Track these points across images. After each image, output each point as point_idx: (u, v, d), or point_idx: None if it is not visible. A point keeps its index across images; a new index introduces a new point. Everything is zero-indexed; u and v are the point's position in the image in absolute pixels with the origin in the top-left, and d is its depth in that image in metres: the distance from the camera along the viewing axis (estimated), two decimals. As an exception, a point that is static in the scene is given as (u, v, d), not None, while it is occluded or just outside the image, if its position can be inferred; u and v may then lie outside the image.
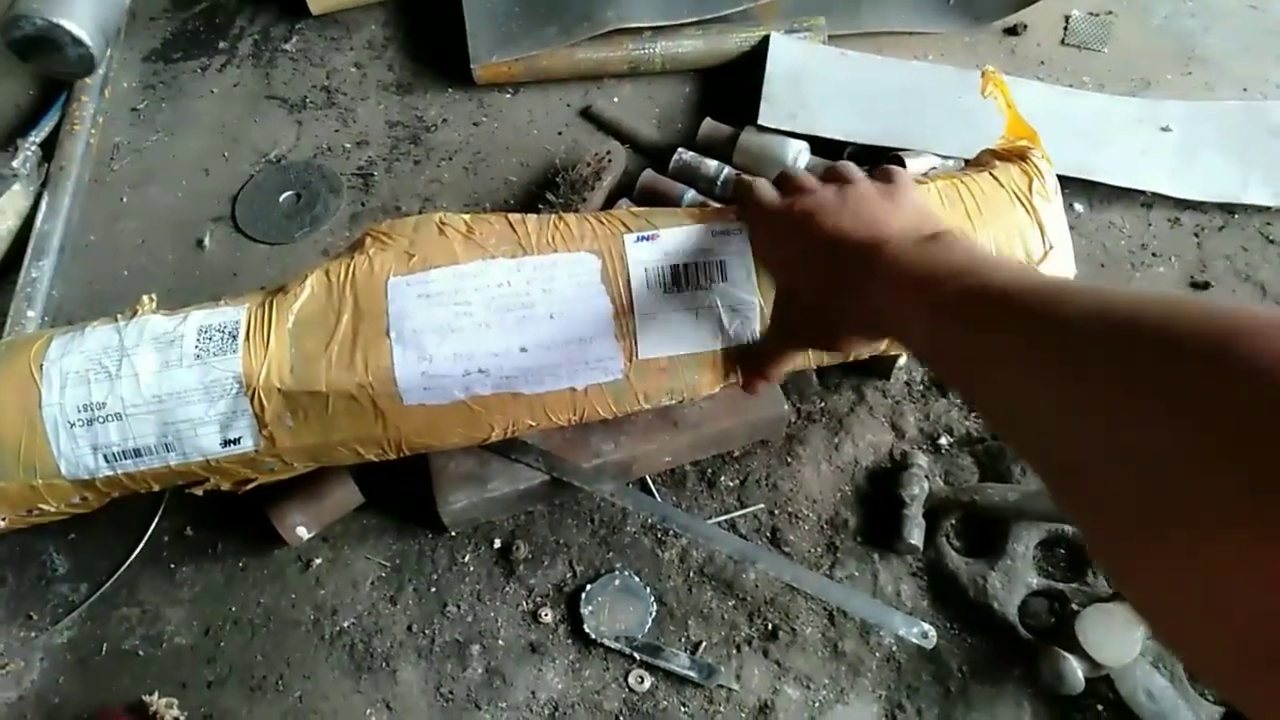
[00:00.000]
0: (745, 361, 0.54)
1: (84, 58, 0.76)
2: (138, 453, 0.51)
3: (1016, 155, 0.58)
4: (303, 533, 0.57)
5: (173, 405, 0.50)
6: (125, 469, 0.51)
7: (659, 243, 0.54)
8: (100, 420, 0.50)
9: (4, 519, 0.53)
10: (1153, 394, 0.26)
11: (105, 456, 0.50)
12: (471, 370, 0.51)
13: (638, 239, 0.54)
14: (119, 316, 0.54)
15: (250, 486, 0.54)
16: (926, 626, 0.55)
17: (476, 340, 0.51)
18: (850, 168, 0.52)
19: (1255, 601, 0.21)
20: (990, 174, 0.56)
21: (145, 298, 0.55)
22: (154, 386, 0.50)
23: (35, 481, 0.51)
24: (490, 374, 0.51)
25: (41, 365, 0.51)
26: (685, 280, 0.53)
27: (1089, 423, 0.29)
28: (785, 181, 0.53)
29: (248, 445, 0.51)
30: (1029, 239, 0.54)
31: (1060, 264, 0.55)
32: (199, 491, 0.54)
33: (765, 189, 0.53)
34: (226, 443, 0.51)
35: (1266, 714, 0.22)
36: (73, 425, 0.50)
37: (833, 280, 0.46)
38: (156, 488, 0.53)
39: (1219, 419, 0.24)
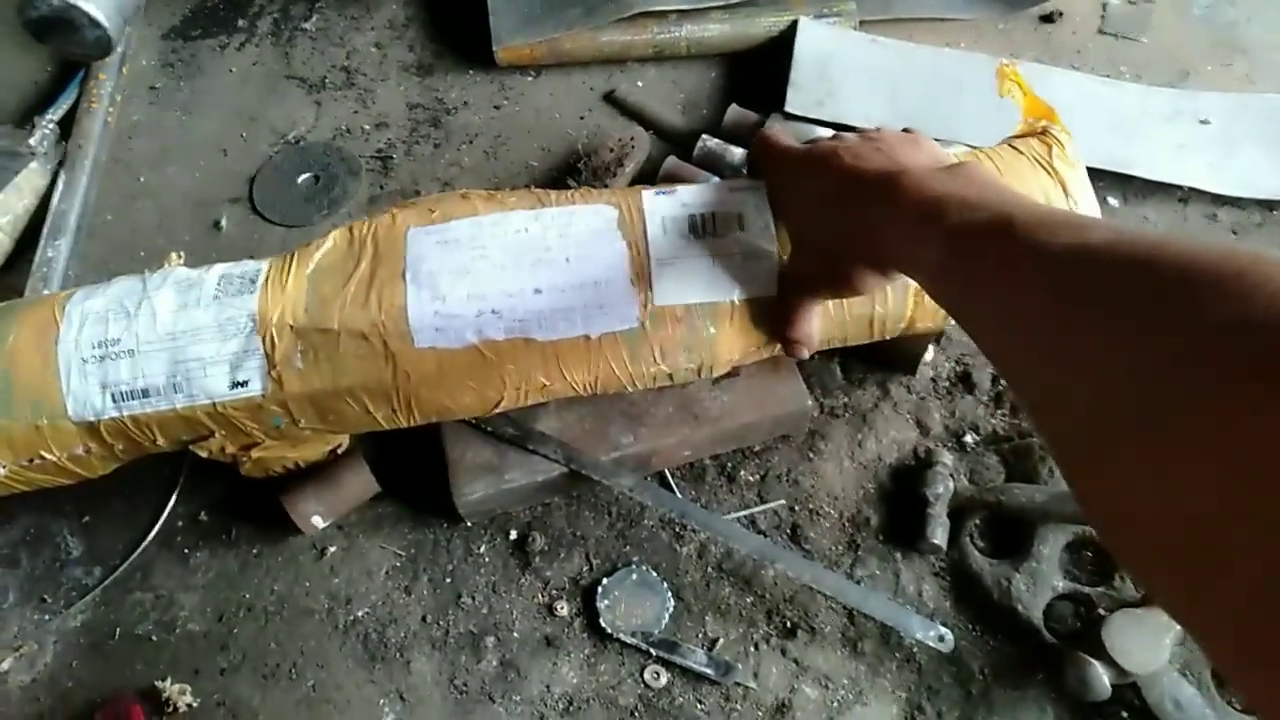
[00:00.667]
0: (772, 321, 0.53)
1: (100, 39, 0.75)
2: (145, 393, 0.50)
3: (1037, 133, 0.57)
4: (318, 521, 0.57)
5: (185, 343, 0.50)
6: (131, 410, 0.50)
7: (676, 196, 0.54)
8: (113, 357, 0.50)
9: (4, 466, 0.52)
10: (1162, 321, 0.27)
11: (113, 396, 0.50)
12: (485, 311, 0.50)
13: (656, 193, 0.55)
14: (146, 270, 0.54)
15: (256, 454, 0.54)
16: (944, 630, 0.54)
17: (491, 281, 0.51)
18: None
19: (1200, 504, 0.23)
20: (1009, 145, 0.56)
21: (173, 254, 0.55)
22: (169, 324, 0.50)
23: (40, 422, 0.50)
24: (503, 315, 0.51)
25: (65, 307, 0.52)
26: (703, 228, 0.53)
27: (1089, 348, 0.30)
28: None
29: (255, 389, 0.50)
30: (1052, 196, 0.53)
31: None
32: (203, 453, 0.53)
33: (782, 136, 0.53)
34: (235, 385, 0.50)
35: (1205, 616, 0.24)
36: (85, 362, 0.50)
37: (849, 212, 0.46)
38: (161, 442, 0.52)
39: (1208, 336, 0.25)
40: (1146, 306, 0.28)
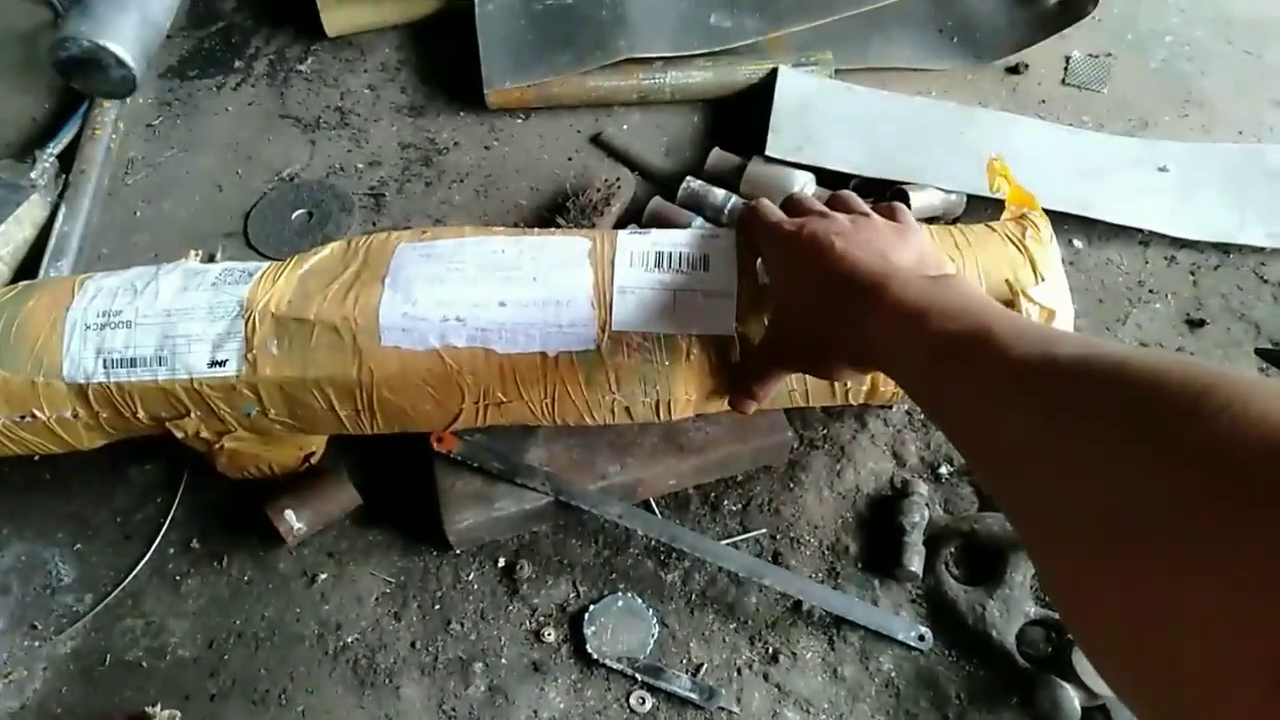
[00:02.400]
0: (734, 377, 0.55)
1: (126, 79, 0.78)
2: (133, 362, 0.54)
3: (1016, 219, 0.59)
4: (299, 527, 0.58)
5: (177, 320, 0.55)
6: (118, 378, 0.54)
7: (650, 235, 0.57)
8: (112, 326, 0.55)
9: None
10: (1133, 437, 0.28)
11: (105, 361, 0.54)
12: (450, 317, 0.53)
13: (631, 232, 0.58)
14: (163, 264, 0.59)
15: (229, 446, 0.56)
16: (924, 629, 0.57)
17: (461, 291, 0.54)
18: (855, 199, 0.54)
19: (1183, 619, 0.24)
20: (986, 225, 0.59)
21: (191, 251, 0.60)
22: (168, 302, 0.55)
23: (37, 378, 0.54)
24: (466, 323, 0.53)
25: (84, 282, 0.57)
26: (667, 264, 0.55)
27: (1065, 460, 0.31)
28: (793, 205, 0.54)
29: (231, 369, 0.54)
30: (1020, 270, 0.55)
31: (1053, 298, 0.55)
32: (179, 433, 0.56)
33: (774, 210, 0.54)
34: (213, 363, 0.54)
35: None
36: (88, 328, 0.55)
37: (834, 306, 0.47)
38: (141, 414, 0.55)
39: (1184, 457, 0.26)
40: (1119, 426, 0.29)
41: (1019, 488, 0.34)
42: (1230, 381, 0.27)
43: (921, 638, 0.57)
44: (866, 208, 0.53)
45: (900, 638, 0.57)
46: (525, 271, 0.55)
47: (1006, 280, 0.54)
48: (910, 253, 0.48)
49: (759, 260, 0.55)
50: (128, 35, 0.77)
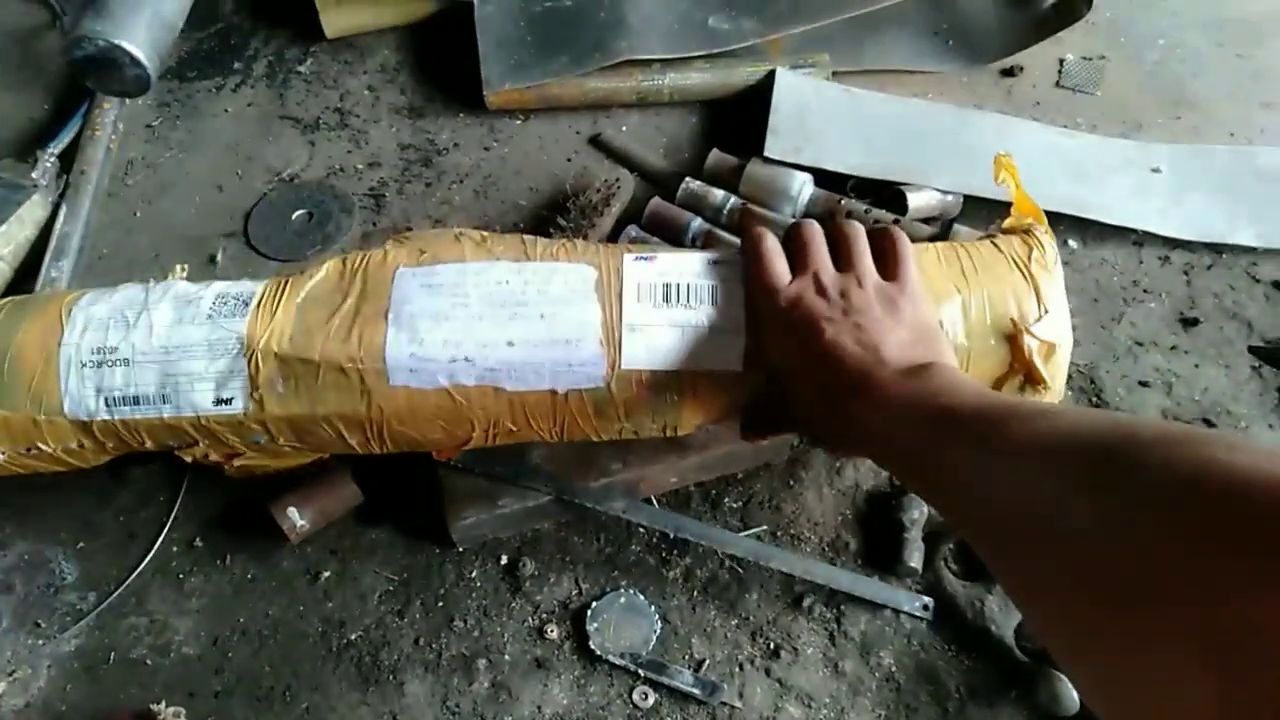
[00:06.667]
0: (745, 422, 0.56)
1: (140, 78, 0.79)
2: (136, 400, 0.53)
3: (1021, 231, 0.59)
4: (302, 524, 0.59)
5: (177, 358, 0.53)
6: (122, 415, 0.53)
7: (656, 264, 0.56)
8: (109, 364, 0.53)
9: (3, 453, 0.55)
10: (1106, 497, 0.30)
11: (106, 400, 0.53)
12: (458, 357, 0.52)
13: (636, 259, 0.56)
14: (151, 279, 0.57)
15: (238, 463, 0.56)
16: (927, 599, 0.58)
17: (467, 329, 0.53)
18: (859, 247, 0.53)
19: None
20: (992, 242, 0.58)
21: (178, 266, 0.58)
22: (164, 338, 0.53)
23: (39, 416, 0.53)
24: (475, 363, 0.53)
25: (71, 310, 0.55)
26: (675, 298, 0.54)
27: (1046, 524, 0.33)
28: (796, 250, 0.54)
29: (237, 407, 0.53)
30: (1024, 302, 0.55)
31: (1056, 331, 0.55)
32: (188, 458, 0.56)
33: (772, 262, 0.53)
34: (219, 401, 0.53)
35: None
36: (84, 366, 0.53)
37: (821, 392, 0.49)
38: (149, 444, 0.55)
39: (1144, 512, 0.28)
40: (1109, 495, 0.30)
41: (1016, 566, 0.35)
42: (1152, 437, 0.30)
43: (926, 607, 0.58)
44: (866, 259, 0.52)
45: (905, 609, 0.58)
46: (532, 308, 0.53)
47: (1011, 319, 0.54)
48: (901, 330, 0.49)
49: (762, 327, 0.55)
50: (142, 35, 0.77)
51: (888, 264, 0.52)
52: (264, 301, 0.54)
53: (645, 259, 0.56)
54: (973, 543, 0.41)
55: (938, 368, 0.46)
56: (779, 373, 0.52)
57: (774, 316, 0.52)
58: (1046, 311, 0.55)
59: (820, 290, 0.51)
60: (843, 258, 0.53)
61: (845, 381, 0.47)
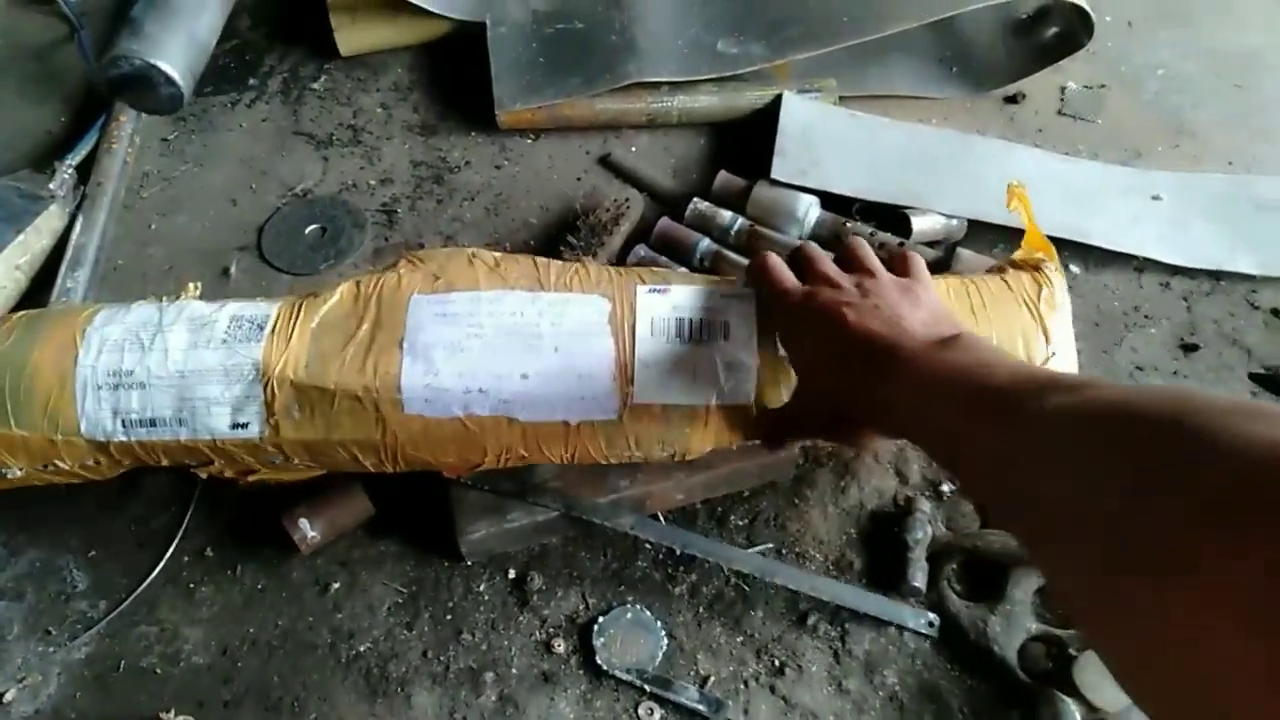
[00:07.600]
0: (764, 433, 0.56)
1: (174, 96, 0.81)
2: (153, 423, 0.54)
3: (1031, 266, 0.60)
4: (313, 536, 0.59)
5: (193, 382, 0.53)
6: (138, 436, 0.54)
7: (669, 296, 0.56)
8: (125, 387, 0.54)
9: (22, 469, 0.55)
10: (1131, 467, 0.30)
11: (123, 422, 0.54)
12: (472, 389, 0.53)
13: (650, 290, 0.57)
14: (164, 298, 0.58)
15: (253, 479, 0.57)
16: (932, 615, 0.59)
17: (481, 361, 0.54)
18: (865, 251, 0.54)
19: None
20: (1002, 278, 0.59)
21: (190, 284, 0.59)
22: (179, 363, 0.54)
23: (55, 436, 0.54)
24: (489, 395, 0.53)
25: (85, 331, 0.55)
26: (689, 333, 0.55)
27: (1077, 496, 0.32)
28: (804, 264, 0.54)
29: (254, 431, 0.54)
30: (1032, 342, 0.56)
31: (1063, 369, 0.56)
32: (203, 474, 0.57)
33: (782, 272, 0.54)
34: (235, 425, 0.54)
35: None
36: (100, 388, 0.54)
37: (849, 377, 0.48)
38: (165, 462, 0.56)
39: (1178, 483, 0.28)
40: (1137, 455, 0.30)
41: (1048, 535, 0.34)
42: (1197, 406, 0.29)
43: (931, 624, 0.58)
44: (876, 261, 0.53)
45: (911, 626, 0.59)
46: (546, 340, 0.54)
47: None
48: (921, 312, 0.49)
49: (778, 333, 0.55)
50: (176, 55, 0.79)
51: (899, 269, 0.53)
52: (279, 326, 0.55)
53: (659, 291, 0.57)
54: (1001, 514, 0.40)
55: (967, 337, 0.45)
56: (800, 380, 0.53)
57: (789, 315, 0.52)
58: (1054, 353, 0.56)
59: (834, 285, 0.51)
60: (853, 264, 0.54)
61: (874, 360, 0.46)
